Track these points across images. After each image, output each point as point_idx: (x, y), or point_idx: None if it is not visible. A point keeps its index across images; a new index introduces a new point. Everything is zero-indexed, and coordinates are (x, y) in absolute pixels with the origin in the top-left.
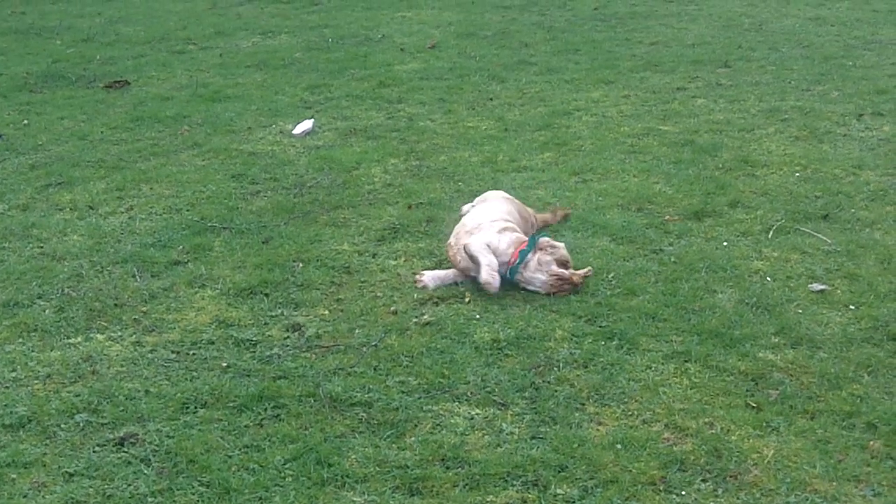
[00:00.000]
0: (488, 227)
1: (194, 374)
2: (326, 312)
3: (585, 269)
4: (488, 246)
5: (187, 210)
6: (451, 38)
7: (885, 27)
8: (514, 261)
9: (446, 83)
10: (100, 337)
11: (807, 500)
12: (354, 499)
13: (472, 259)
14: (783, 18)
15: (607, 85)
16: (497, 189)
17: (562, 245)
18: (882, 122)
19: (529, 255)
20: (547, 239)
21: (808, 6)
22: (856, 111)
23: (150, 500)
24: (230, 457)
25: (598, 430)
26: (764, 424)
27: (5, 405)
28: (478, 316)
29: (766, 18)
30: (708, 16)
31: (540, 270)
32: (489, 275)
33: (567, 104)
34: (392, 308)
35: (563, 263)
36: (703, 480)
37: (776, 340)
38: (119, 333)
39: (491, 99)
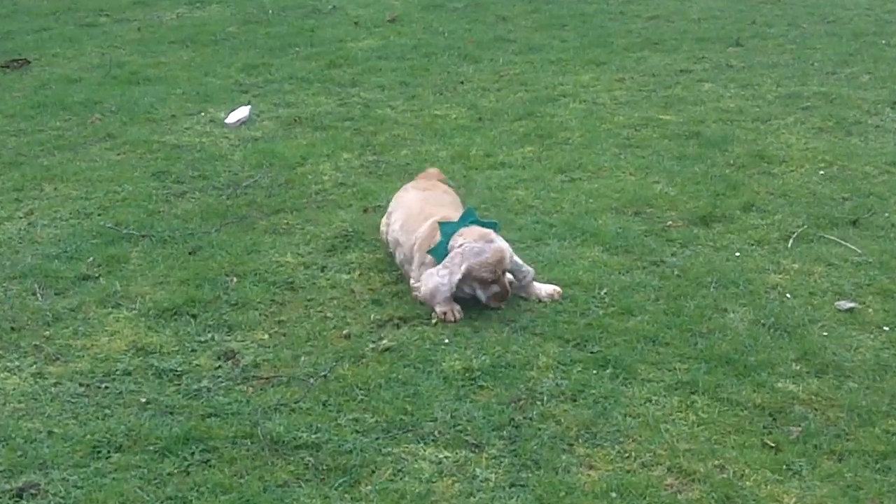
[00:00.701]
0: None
1: (107, 411)
2: (266, 337)
3: (552, 289)
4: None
5: (99, 214)
6: (414, 10)
7: None
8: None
9: (409, 63)
10: None
11: None
12: None
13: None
14: None
15: (598, 66)
16: (470, 189)
17: (492, 247)
18: None
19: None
20: (471, 246)
21: None
22: (890, 98)
23: None
24: None
25: (588, 475)
26: (784, 467)
27: None
28: (446, 340)
29: None
30: None
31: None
32: (443, 311)
33: (552, 89)
34: (344, 331)
35: (496, 274)
36: None
37: (798, 368)
38: (17, 363)
39: (462, 82)
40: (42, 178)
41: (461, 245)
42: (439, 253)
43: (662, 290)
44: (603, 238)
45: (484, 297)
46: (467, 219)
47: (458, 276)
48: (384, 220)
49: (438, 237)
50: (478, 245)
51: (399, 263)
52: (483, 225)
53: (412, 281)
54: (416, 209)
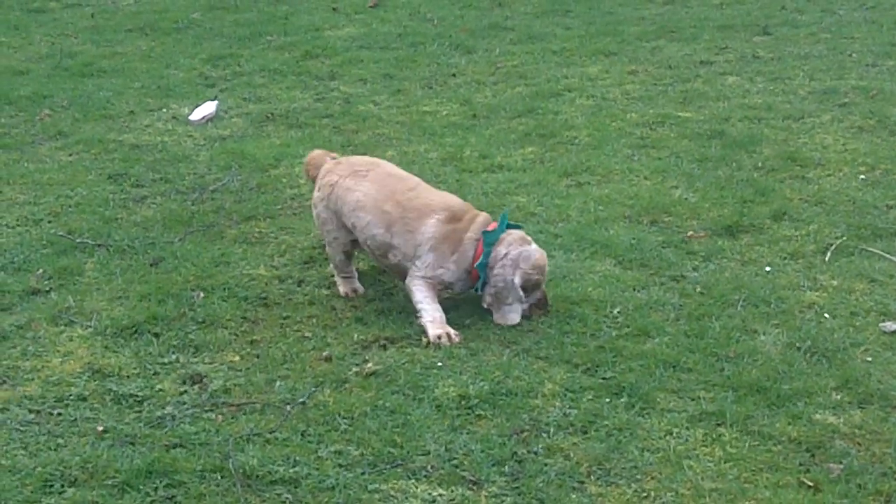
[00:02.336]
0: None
1: (60, 441)
2: (237, 358)
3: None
4: (434, 282)
5: (49, 221)
6: None
7: None
8: (479, 256)
9: (394, 54)
10: None
11: None
12: None
13: (415, 309)
14: None
15: (608, 57)
16: (463, 194)
17: (535, 248)
18: None
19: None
20: (516, 232)
21: None
22: None
23: None
24: None
25: None
26: None
27: None
28: (440, 364)
29: None
30: None
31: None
32: (437, 334)
33: (555, 83)
34: (325, 353)
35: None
36: None
37: (838, 397)
38: None
39: (454, 75)
40: None
41: (505, 255)
42: (482, 265)
43: (683, 309)
44: (615, 250)
45: (525, 307)
46: (503, 224)
47: (520, 284)
48: (321, 209)
49: (458, 236)
50: (524, 249)
51: (392, 266)
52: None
53: (415, 278)
54: (390, 205)
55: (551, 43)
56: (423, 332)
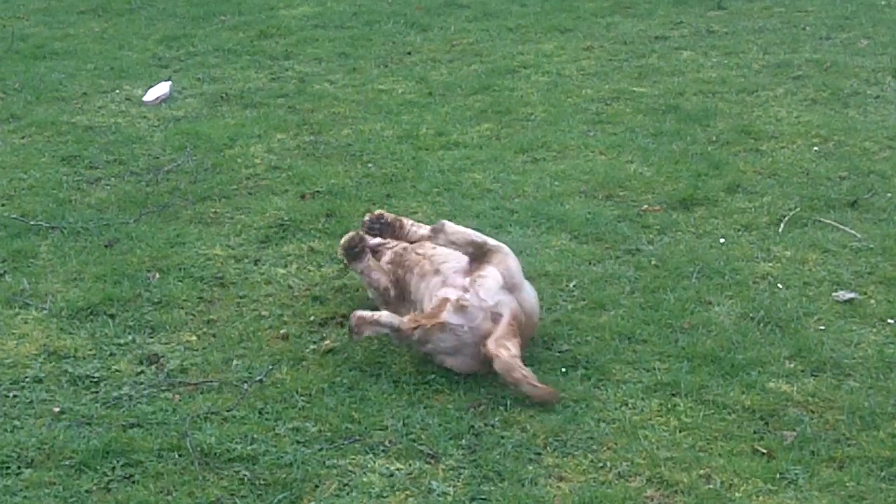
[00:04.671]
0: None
1: (16, 422)
2: (193, 338)
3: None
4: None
5: (2, 204)
6: None
7: None
8: None
9: (349, 33)
10: None
11: None
12: None
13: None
14: None
15: (563, 34)
16: (419, 172)
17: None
18: None
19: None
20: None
21: None
22: (891, 65)
23: None
24: None
25: (558, 487)
26: (777, 476)
27: None
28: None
29: None
30: None
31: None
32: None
33: (511, 59)
34: (282, 331)
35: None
36: None
37: (791, 366)
38: None
39: (409, 53)
40: None
41: None
42: None
43: (638, 282)
44: (571, 225)
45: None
46: None
47: None
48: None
49: None
50: None
51: None
52: None
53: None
54: None
55: (507, 20)
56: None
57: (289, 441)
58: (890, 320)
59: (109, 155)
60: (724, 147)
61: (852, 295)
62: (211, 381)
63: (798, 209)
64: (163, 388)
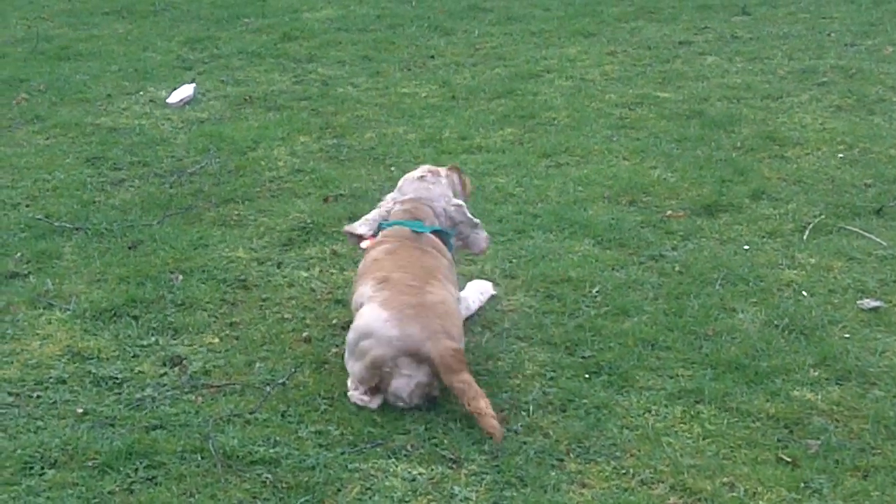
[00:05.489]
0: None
1: (40, 423)
2: (216, 341)
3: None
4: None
5: (27, 205)
6: None
7: None
8: None
9: (372, 36)
10: None
11: None
12: None
13: None
14: None
15: (587, 38)
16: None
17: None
18: None
19: None
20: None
21: None
22: None
23: None
24: None
25: (581, 494)
26: (802, 485)
27: None
28: None
29: None
30: None
31: None
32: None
33: (534, 64)
34: (304, 334)
35: None
36: None
37: (816, 374)
38: None
39: (432, 57)
40: None
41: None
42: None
43: (662, 288)
44: (594, 230)
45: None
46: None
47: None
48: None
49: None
50: None
51: None
52: None
53: None
54: None
55: (530, 24)
56: None
57: (311, 444)
58: None
59: (133, 157)
60: (749, 153)
61: (877, 303)
62: (234, 384)
63: (823, 216)
64: (185, 389)
